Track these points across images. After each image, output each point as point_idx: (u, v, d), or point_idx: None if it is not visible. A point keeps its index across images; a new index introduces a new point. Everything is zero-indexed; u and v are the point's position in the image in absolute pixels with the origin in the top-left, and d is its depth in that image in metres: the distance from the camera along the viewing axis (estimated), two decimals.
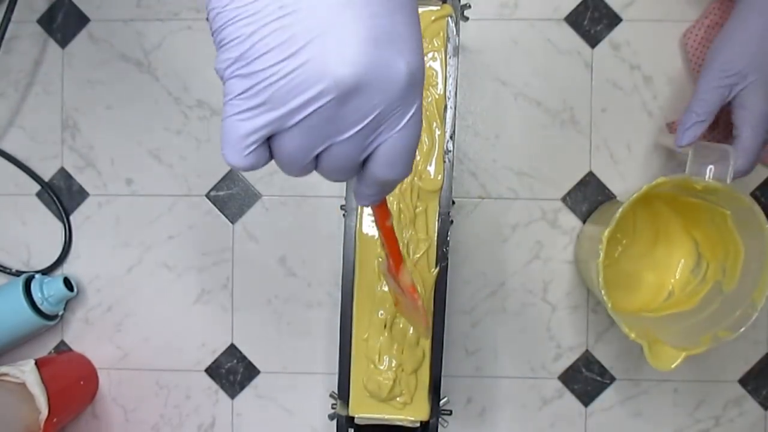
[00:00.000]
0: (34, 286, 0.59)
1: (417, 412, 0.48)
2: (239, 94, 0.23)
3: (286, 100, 0.23)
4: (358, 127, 0.24)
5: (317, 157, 0.25)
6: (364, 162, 0.26)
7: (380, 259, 0.47)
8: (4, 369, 0.54)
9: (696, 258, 0.59)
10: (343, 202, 0.48)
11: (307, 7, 0.22)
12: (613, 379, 0.62)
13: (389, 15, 0.23)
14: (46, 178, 0.63)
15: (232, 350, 0.63)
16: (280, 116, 0.23)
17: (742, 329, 0.50)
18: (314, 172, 0.27)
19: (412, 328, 0.48)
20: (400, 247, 0.39)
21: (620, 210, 0.50)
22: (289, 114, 0.23)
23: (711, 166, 0.50)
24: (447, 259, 0.48)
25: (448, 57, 0.48)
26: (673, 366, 0.49)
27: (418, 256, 0.48)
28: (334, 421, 0.48)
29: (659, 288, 0.60)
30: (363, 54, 0.22)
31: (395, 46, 0.23)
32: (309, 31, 0.22)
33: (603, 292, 0.50)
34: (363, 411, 0.48)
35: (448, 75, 0.48)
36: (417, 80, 0.24)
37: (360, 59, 0.22)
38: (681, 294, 0.59)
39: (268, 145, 0.25)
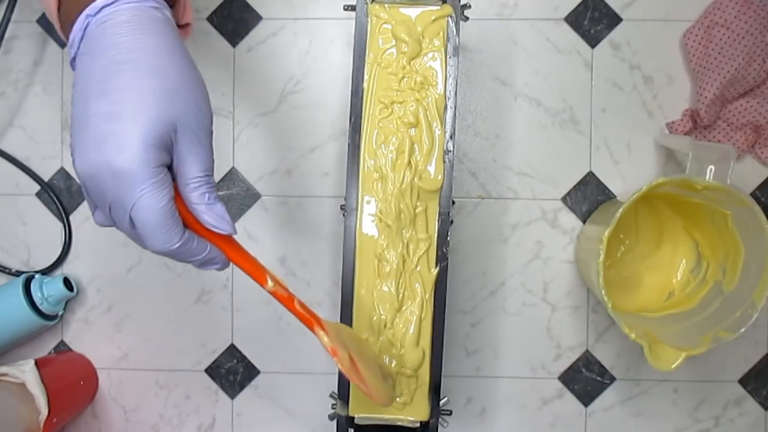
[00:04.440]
0: (34, 286, 0.59)
1: (417, 412, 0.48)
2: None
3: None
4: (107, 205, 0.33)
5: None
6: None
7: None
8: (4, 369, 0.54)
9: (696, 258, 0.59)
10: (343, 202, 0.48)
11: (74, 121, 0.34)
12: (613, 379, 0.62)
13: (113, 121, 0.32)
14: (46, 178, 0.63)
15: (232, 350, 0.63)
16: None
17: (742, 330, 0.50)
18: None
19: (412, 328, 0.48)
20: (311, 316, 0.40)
21: (620, 210, 0.49)
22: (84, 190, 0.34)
23: (711, 167, 0.50)
24: (447, 259, 0.48)
25: (448, 57, 0.48)
26: (673, 366, 0.49)
27: (418, 256, 0.48)
28: (334, 421, 0.48)
29: (660, 288, 0.60)
30: (85, 155, 0.32)
31: (112, 148, 0.31)
32: (73, 137, 0.33)
33: (603, 292, 0.50)
34: (363, 411, 0.48)
35: (448, 75, 0.48)
36: (124, 175, 0.31)
37: (83, 159, 0.32)
38: (681, 294, 0.59)
39: None
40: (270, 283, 0.38)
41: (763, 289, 0.50)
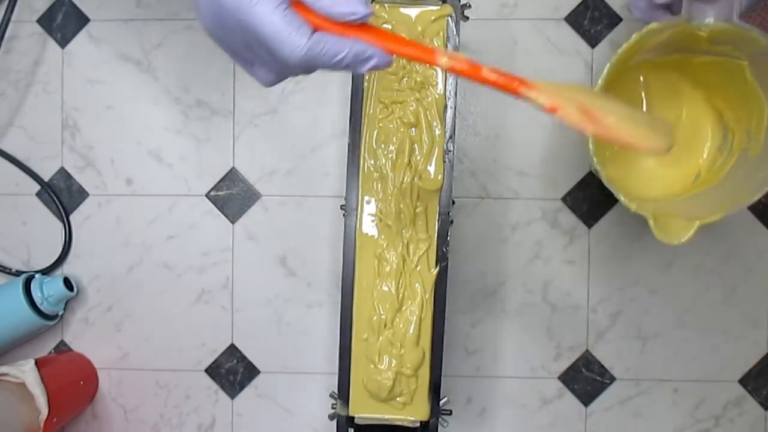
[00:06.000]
0: (34, 286, 0.59)
1: (417, 412, 0.48)
2: None
3: None
4: (239, 40, 0.34)
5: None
6: None
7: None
8: (4, 369, 0.54)
9: (722, 134, 0.54)
10: (343, 202, 0.48)
11: None
12: (613, 379, 0.62)
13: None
14: (46, 178, 0.63)
15: (232, 350, 0.63)
16: None
17: (765, 190, 0.45)
18: None
19: (412, 328, 0.48)
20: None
21: (606, 71, 0.45)
22: None
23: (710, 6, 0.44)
24: (447, 259, 0.48)
25: None
26: (684, 239, 0.43)
27: (418, 256, 0.48)
28: (334, 421, 0.48)
29: (684, 175, 0.55)
30: None
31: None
32: None
33: (596, 160, 0.46)
34: (363, 411, 0.48)
35: (448, 75, 0.48)
36: None
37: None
38: (708, 173, 0.55)
39: None
40: (443, 58, 0.34)
41: None
